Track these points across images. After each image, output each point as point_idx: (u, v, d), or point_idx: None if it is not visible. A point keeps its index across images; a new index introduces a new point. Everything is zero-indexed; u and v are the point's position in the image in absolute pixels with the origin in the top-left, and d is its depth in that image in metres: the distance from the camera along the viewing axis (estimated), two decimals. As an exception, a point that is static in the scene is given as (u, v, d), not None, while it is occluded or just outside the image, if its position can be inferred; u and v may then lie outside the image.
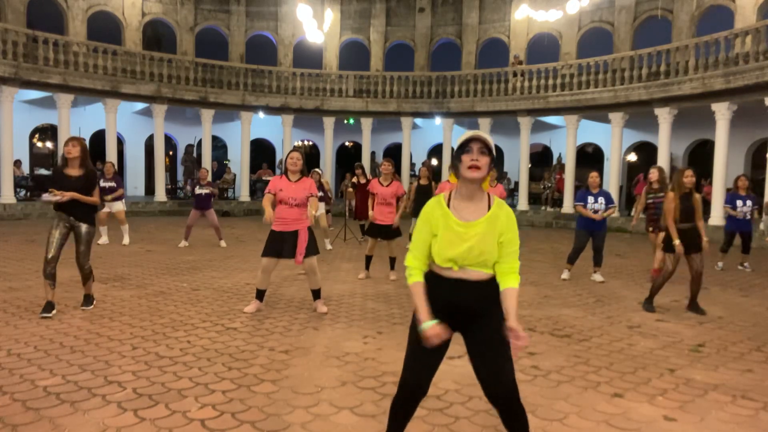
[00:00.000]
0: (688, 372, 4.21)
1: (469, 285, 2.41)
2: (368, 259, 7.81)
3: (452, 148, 22.13)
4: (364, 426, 3.17)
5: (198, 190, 10.99)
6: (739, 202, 9.37)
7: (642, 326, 5.57)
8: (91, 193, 5.49)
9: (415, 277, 2.48)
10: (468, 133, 2.40)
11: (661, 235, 8.03)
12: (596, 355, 4.57)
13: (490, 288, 2.44)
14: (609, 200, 8.05)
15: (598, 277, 8.06)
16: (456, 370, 4.09)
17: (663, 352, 4.71)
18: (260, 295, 5.78)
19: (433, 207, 2.47)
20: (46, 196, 5.42)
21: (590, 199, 7.94)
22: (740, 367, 4.35)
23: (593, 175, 8.20)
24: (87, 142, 21.38)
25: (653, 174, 8.18)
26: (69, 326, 5.01)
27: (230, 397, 3.52)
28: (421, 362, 2.50)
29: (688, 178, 6.07)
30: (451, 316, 2.44)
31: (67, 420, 3.13)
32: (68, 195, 5.31)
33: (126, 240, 10.91)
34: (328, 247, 11.02)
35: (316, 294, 5.89)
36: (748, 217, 9.40)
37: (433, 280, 2.47)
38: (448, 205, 2.44)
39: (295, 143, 23.85)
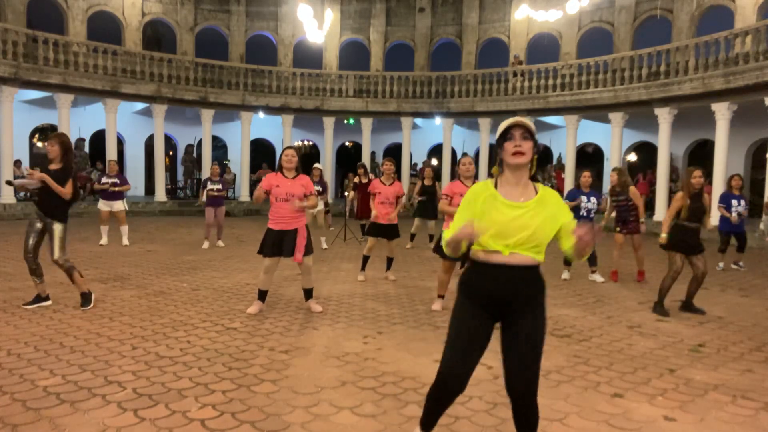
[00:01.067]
0: (688, 372, 4.21)
1: (516, 271, 2.37)
2: (366, 260, 7.74)
3: (452, 150, 21.78)
4: (364, 426, 3.17)
5: (210, 185, 10.94)
6: (734, 202, 9.40)
7: (642, 326, 5.57)
8: (63, 185, 5.49)
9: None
10: (509, 121, 2.42)
11: (637, 238, 8.14)
12: (596, 355, 4.57)
13: (535, 275, 2.42)
14: (599, 200, 8.22)
15: (597, 277, 8.06)
16: (456, 370, 4.09)
17: (663, 352, 4.71)
18: (262, 295, 5.75)
19: (480, 188, 2.46)
20: (17, 181, 5.52)
21: (584, 198, 8.00)
22: (740, 367, 4.35)
23: (586, 175, 8.27)
24: (87, 142, 21.30)
25: (612, 177, 8.24)
26: (69, 326, 5.01)
27: (230, 397, 3.52)
28: (460, 355, 2.46)
29: (697, 178, 6.06)
30: (495, 305, 2.42)
31: (67, 420, 3.13)
32: (37, 174, 5.38)
33: (125, 241, 10.88)
34: (324, 246, 10.96)
35: (309, 293, 5.88)
36: (743, 216, 9.42)
37: (478, 268, 2.44)
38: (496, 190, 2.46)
39: (295, 143, 23.85)
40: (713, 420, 3.37)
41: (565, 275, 8.18)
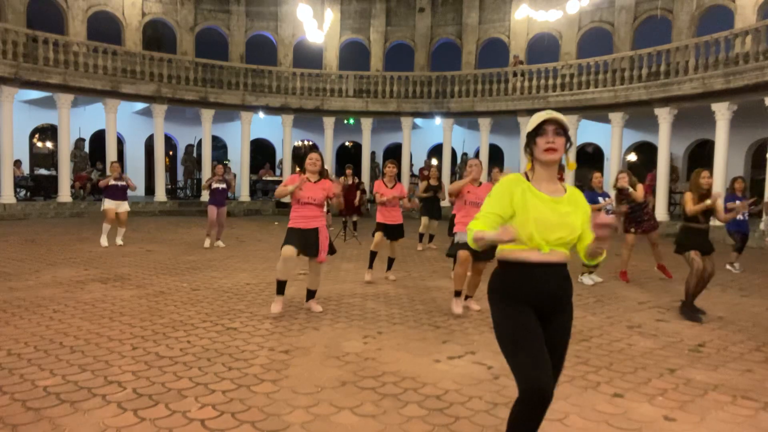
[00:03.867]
0: (688, 372, 4.20)
1: (554, 269, 2.32)
2: (373, 256, 7.64)
3: (453, 150, 21.84)
4: (364, 426, 3.17)
5: (215, 185, 10.94)
6: (738, 203, 9.39)
7: (642, 326, 5.57)
8: None
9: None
10: (541, 115, 2.32)
11: (654, 235, 8.15)
12: (596, 355, 4.57)
13: (568, 273, 2.38)
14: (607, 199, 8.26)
15: (596, 278, 8.00)
16: (456, 370, 4.10)
17: (663, 352, 4.70)
18: (281, 287, 5.64)
19: (513, 180, 2.35)
20: None
21: (600, 200, 8.04)
22: (740, 367, 4.35)
23: (597, 176, 8.34)
24: (87, 142, 21.30)
25: (623, 178, 8.17)
26: (69, 326, 5.01)
27: (230, 397, 3.52)
28: (539, 359, 2.22)
29: (705, 179, 6.03)
30: (537, 305, 2.33)
31: (67, 420, 3.13)
32: None
33: (119, 240, 10.75)
34: None
35: (312, 294, 5.86)
36: (745, 217, 9.41)
37: (518, 268, 2.32)
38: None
39: (295, 143, 23.86)
40: (713, 420, 3.37)
41: (587, 280, 8.10)
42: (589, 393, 3.74)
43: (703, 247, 6.06)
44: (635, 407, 3.52)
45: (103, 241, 10.59)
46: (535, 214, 2.27)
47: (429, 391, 3.69)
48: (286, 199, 5.73)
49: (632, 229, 8.23)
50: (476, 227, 2.30)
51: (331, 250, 5.77)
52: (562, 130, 2.31)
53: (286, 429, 3.10)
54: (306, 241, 5.53)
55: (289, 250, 5.47)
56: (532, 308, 2.32)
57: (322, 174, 5.72)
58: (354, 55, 23.74)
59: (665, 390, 3.82)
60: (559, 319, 2.36)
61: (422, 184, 11.74)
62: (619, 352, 4.67)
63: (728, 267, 9.35)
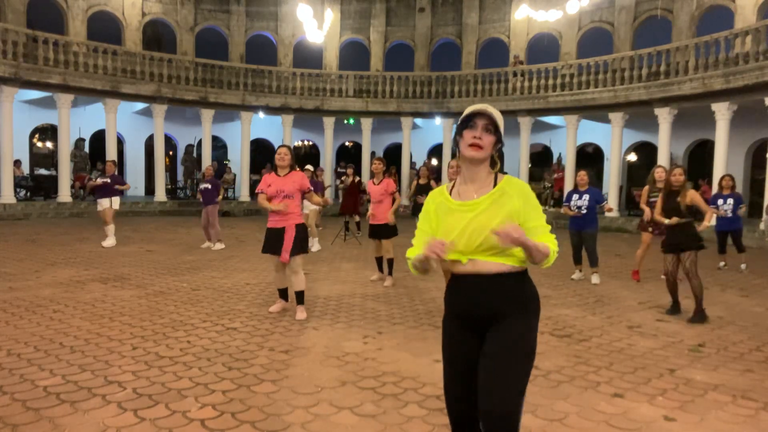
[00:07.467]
0: (688, 372, 4.20)
1: (484, 281, 2.08)
2: (377, 261, 7.68)
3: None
4: (364, 426, 3.17)
5: (201, 185, 11.13)
6: (720, 201, 9.37)
7: (642, 326, 5.57)
8: None
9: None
10: (473, 107, 2.13)
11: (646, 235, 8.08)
12: (596, 355, 4.57)
13: (510, 284, 2.09)
14: (597, 198, 7.94)
15: (594, 278, 7.93)
16: (456, 370, 4.09)
17: (663, 352, 4.70)
18: (281, 294, 5.80)
19: (434, 195, 2.24)
20: None
21: (575, 196, 7.93)
22: (740, 367, 4.35)
23: (580, 174, 8.12)
24: (87, 142, 21.26)
25: (660, 173, 7.94)
26: (69, 326, 5.01)
27: (230, 397, 3.52)
28: (454, 380, 2.20)
29: (676, 176, 5.99)
30: (471, 321, 2.15)
31: (67, 420, 3.13)
32: None
33: (105, 242, 10.49)
34: (316, 248, 10.58)
35: (298, 297, 5.62)
36: (730, 214, 9.33)
37: (452, 282, 2.20)
38: (450, 192, 2.21)
39: (295, 143, 23.84)
40: (713, 420, 3.37)
41: (576, 275, 8.09)
42: (589, 393, 3.74)
43: (669, 246, 6.05)
44: (635, 407, 3.52)
45: (105, 242, 10.51)
46: (444, 227, 2.12)
47: (429, 391, 3.69)
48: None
49: (650, 229, 7.94)
50: (412, 254, 2.20)
51: (296, 250, 5.46)
52: (493, 127, 2.10)
53: (286, 429, 3.10)
54: (276, 242, 5.48)
55: (271, 259, 5.61)
56: (467, 327, 2.16)
57: (293, 168, 5.63)
58: (354, 55, 23.74)
59: (665, 390, 3.82)
60: (494, 330, 2.09)
61: (413, 184, 11.71)
62: (619, 352, 4.67)
63: (742, 266, 9.40)
